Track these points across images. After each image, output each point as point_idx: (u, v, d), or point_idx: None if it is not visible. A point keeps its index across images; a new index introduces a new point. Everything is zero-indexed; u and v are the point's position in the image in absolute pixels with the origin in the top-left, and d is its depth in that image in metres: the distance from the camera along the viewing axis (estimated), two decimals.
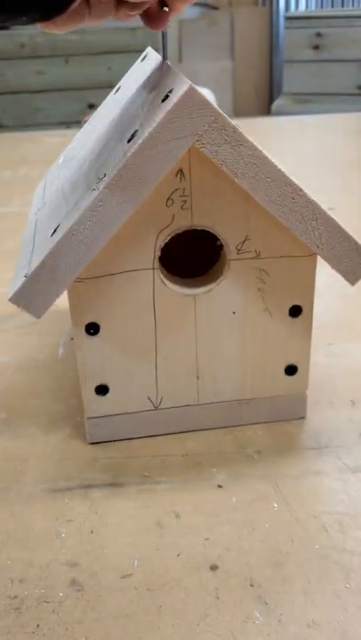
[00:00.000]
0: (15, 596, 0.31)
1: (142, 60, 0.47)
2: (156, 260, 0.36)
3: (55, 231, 0.34)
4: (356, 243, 0.35)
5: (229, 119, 0.31)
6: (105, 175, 0.33)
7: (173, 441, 0.41)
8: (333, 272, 0.36)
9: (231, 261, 0.37)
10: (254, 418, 0.42)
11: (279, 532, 0.34)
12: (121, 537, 0.34)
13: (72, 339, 0.54)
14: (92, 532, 0.35)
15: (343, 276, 0.36)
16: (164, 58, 0.39)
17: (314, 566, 0.32)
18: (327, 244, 0.35)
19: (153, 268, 0.36)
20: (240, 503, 0.36)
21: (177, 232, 0.35)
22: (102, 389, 0.39)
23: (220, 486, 0.37)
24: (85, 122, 0.97)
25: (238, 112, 2.92)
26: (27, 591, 0.32)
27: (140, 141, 0.31)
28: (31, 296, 0.34)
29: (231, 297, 0.38)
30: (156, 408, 0.41)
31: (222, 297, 0.38)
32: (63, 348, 0.52)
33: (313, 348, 0.41)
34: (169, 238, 0.36)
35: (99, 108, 0.50)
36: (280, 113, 2.24)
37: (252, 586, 0.31)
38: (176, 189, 0.34)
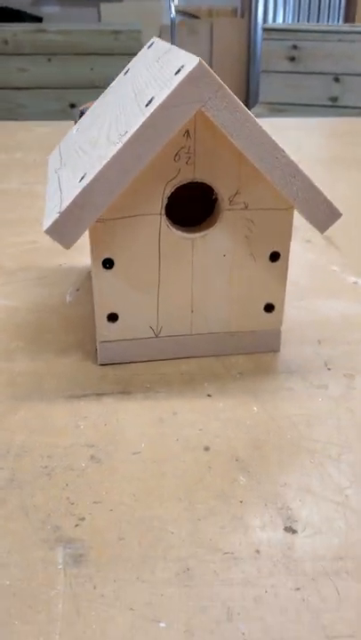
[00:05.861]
0: (46, 466, 0.39)
1: (149, 47, 0.55)
2: (163, 207, 0.44)
3: (83, 177, 0.42)
4: (325, 198, 0.44)
5: (229, 90, 0.39)
6: (126, 132, 0.40)
7: (171, 364, 0.49)
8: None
9: (224, 211, 0.45)
10: (238, 349, 0.50)
11: (258, 426, 0.42)
12: (130, 428, 0.42)
13: (77, 289, 0.62)
14: (105, 424, 0.42)
15: (314, 225, 0.45)
16: (173, 43, 0.47)
17: (286, 448, 0.40)
18: (303, 198, 0.43)
19: (160, 214, 0.44)
20: (226, 407, 0.44)
21: (182, 183, 0.43)
22: (113, 317, 0.47)
23: (209, 395, 0.45)
24: (83, 110, 1.04)
25: None
26: (55, 463, 0.39)
27: (157, 104, 0.39)
28: (63, 229, 0.41)
29: (223, 242, 0.46)
30: (157, 336, 0.48)
31: (215, 241, 0.46)
32: (70, 297, 0.59)
33: (286, 301, 0.49)
34: (174, 189, 0.43)
35: (109, 88, 0.58)
36: None
37: (237, 460, 0.39)
38: (183, 147, 0.42)
